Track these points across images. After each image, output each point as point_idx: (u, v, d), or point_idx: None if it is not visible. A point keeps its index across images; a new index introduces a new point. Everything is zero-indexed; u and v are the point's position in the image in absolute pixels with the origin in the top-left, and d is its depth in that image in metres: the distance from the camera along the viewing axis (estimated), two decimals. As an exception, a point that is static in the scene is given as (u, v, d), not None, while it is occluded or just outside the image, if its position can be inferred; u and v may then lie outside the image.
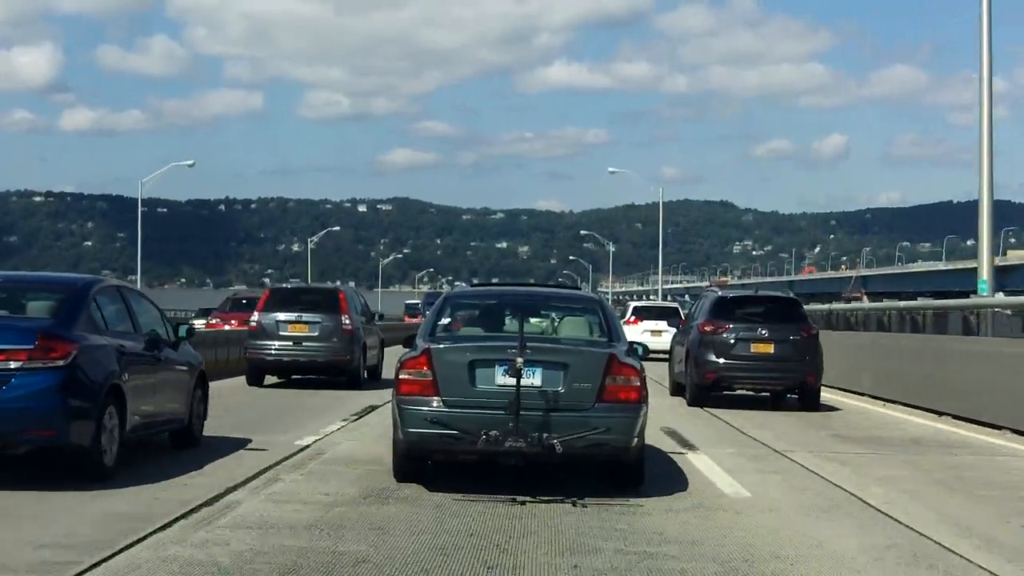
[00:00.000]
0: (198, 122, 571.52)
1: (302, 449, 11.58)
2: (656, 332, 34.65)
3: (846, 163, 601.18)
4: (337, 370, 21.07)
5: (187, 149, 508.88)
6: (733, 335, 18.10)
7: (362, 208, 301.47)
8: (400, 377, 9.13)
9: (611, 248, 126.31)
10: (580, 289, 15.22)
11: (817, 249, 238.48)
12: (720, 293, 20.18)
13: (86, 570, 6.27)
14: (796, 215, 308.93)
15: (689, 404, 18.25)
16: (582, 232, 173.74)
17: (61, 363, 8.73)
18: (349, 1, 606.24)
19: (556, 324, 10.55)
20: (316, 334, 20.90)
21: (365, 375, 21.89)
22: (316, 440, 12.38)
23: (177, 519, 7.74)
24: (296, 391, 20.20)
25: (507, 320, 10.35)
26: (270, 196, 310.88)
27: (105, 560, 6.49)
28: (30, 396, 8.58)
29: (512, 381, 8.67)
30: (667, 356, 34.07)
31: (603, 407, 8.88)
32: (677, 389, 19.94)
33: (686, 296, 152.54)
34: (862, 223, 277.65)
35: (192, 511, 8.02)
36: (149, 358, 10.36)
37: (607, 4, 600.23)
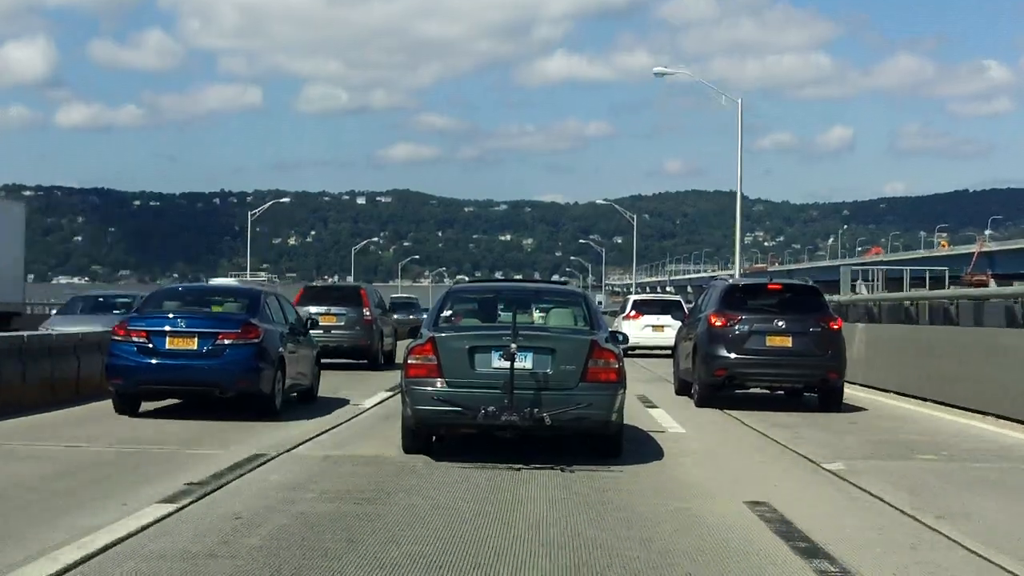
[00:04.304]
0: (194, 117, 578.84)
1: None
2: (658, 327, 34.57)
3: (851, 155, 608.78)
4: (360, 354, 26.32)
5: (183, 144, 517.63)
6: (746, 327, 17.19)
7: (361, 200, 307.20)
8: (408, 362, 10.86)
9: (616, 240, 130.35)
10: (567, 284, 17.96)
11: (831, 240, 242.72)
12: (730, 282, 19.20)
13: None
14: (808, 205, 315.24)
15: (697, 404, 17.50)
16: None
17: (255, 341, 14.59)
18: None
19: (545, 315, 12.27)
20: (343, 324, 26.31)
21: (383, 360, 27.13)
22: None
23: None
24: (334, 372, 25.86)
25: (502, 311, 11.91)
26: (266, 189, 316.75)
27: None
28: (238, 361, 14.42)
29: (507, 364, 10.30)
30: (671, 353, 35.58)
31: (586, 386, 10.55)
32: (683, 387, 19.20)
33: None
34: (876, 213, 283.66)
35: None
36: (293, 340, 16.26)
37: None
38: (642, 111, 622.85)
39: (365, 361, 26.45)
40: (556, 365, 10.55)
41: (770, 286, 18.53)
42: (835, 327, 17.43)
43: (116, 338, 14.75)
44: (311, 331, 26.90)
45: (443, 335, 10.87)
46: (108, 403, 15.14)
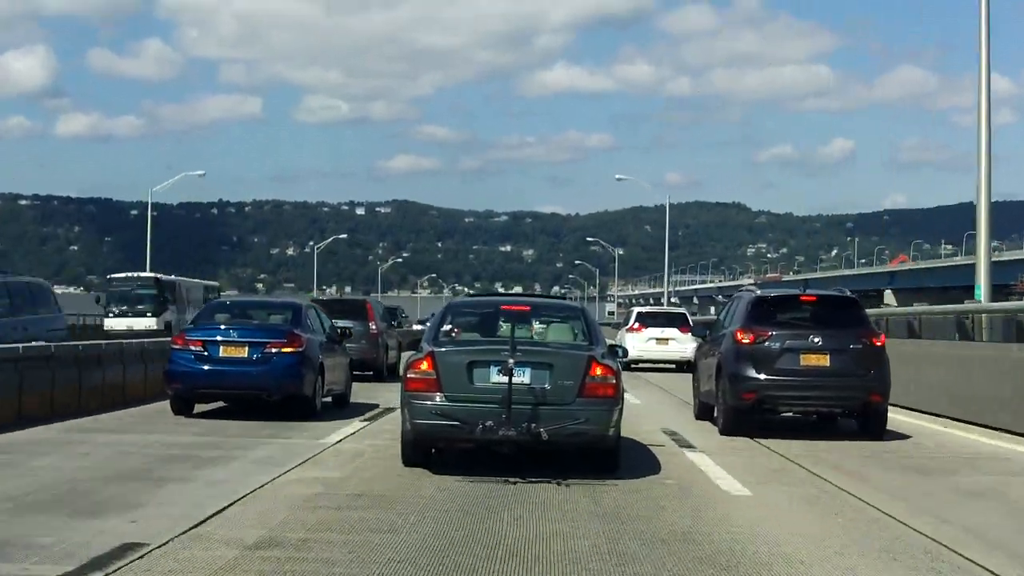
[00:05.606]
0: (193, 126, 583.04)
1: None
2: (662, 340, 34.59)
3: (853, 167, 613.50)
4: (365, 366, 26.53)
5: (182, 154, 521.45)
6: (777, 344, 15.67)
7: (360, 211, 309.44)
8: (408, 376, 11.12)
9: (620, 252, 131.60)
10: (566, 299, 18.10)
11: (834, 252, 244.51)
12: (759, 293, 17.41)
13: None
14: (811, 217, 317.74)
15: (722, 432, 15.78)
16: (588, 239, 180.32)
17: (300, 349, 16.51)
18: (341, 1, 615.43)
19: (544, 330, 12.48)
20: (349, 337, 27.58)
21: (387, 372, 27.91)
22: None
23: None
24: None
25: (501, 326, 12.09)
26: (265, 199, 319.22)
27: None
28: (284, 367, 16.33)
29: (505, 379, 10.53)
30: (675, 367, 34.74)
31: (583, 401, 10.79)
32: (704, 411, 17.67)
33: (719, 296, 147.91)
34: (880, 225, 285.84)
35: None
36: (330, 348, 18.17)
37: (608, 3, 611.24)
38: (642, 123, 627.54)
39: (371, 373, 27.30)
40: (554, 380, 10.78)
41: (803, 297, 17.28)
42: (878, 344, 15.95)
43: (175, 347, 16.70)
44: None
45: (442, 350, 11.17)
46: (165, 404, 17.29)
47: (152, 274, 58.54)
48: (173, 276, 61.11)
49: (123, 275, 58.44)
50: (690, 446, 14.25)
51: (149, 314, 54.61)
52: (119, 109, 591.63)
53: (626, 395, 17.79)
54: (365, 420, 16.48)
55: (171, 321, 54.44)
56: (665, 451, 13.68)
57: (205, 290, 63.86)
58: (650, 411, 19.53)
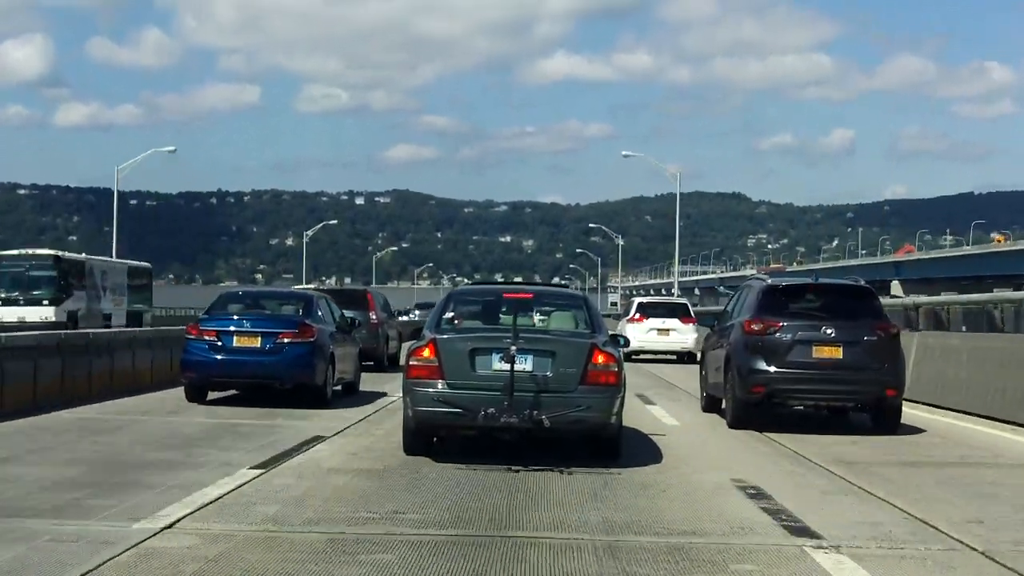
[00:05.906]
0: (193, 116, 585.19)
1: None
2: (664, 331, 34.85)
3: (853, 157, 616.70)
4: (366, 356, 26.12)
5: (182, 143, 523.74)
6: (788, 335, 15.16)
7: (359, 201, 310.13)
8: (410, 363, 11.19)
9: (620, 241, 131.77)
10: (567, 288, 18.05)
11: (835, 242, 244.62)
12: (770, 282, 16.77)
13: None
14: (812, 207, 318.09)
15: (731, 426, 15.48)
16: (590, 225, 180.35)
17: (311, 339, 16.94)
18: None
19: (546, 318, 12.57)
20: None
21: (388, 362, 28.37)
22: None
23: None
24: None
25: (503, 314, 12.23)
26: (264, 188, 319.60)
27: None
28: (296, 357, 16.76)
29: (507, 366, 10.63)
30: (676, 358, 35.43)
31: (585, 389, 10.87)
32: (712, 404, 17.41)
33: (721, 287, 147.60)
34: (880, 215, 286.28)
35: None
36: (340, 338, 18.61)
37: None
38: (642, 112, 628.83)
39: (371, 363, 27.20)
40: (556, 368, 10.89)
41: (815, 286, 16.71)
42: (893, 335, 15.53)
43: (190, 337, 17.14)
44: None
45: (444, 337, 11.29)
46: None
47: (51, 251, 48.88)
48: (83, 255, 51.60)
49: (15, 252, 48.76)
50: (805, 530, 8.20)
51: (46, 301, 45.18)
52: (118, 98, 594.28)
53: (655, 410, 17.67)
54: (257, 468, 10.64)
55: (77, 311, 46.43)
56: (768, 547, 7.66)
57: (130, 274, 54.92)
58: (698, 439, 14.52)
